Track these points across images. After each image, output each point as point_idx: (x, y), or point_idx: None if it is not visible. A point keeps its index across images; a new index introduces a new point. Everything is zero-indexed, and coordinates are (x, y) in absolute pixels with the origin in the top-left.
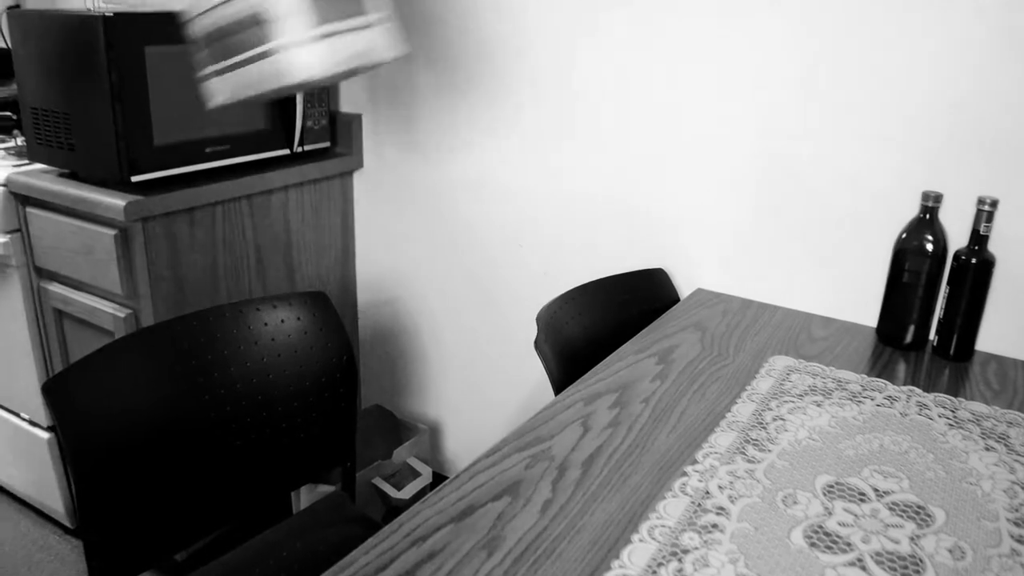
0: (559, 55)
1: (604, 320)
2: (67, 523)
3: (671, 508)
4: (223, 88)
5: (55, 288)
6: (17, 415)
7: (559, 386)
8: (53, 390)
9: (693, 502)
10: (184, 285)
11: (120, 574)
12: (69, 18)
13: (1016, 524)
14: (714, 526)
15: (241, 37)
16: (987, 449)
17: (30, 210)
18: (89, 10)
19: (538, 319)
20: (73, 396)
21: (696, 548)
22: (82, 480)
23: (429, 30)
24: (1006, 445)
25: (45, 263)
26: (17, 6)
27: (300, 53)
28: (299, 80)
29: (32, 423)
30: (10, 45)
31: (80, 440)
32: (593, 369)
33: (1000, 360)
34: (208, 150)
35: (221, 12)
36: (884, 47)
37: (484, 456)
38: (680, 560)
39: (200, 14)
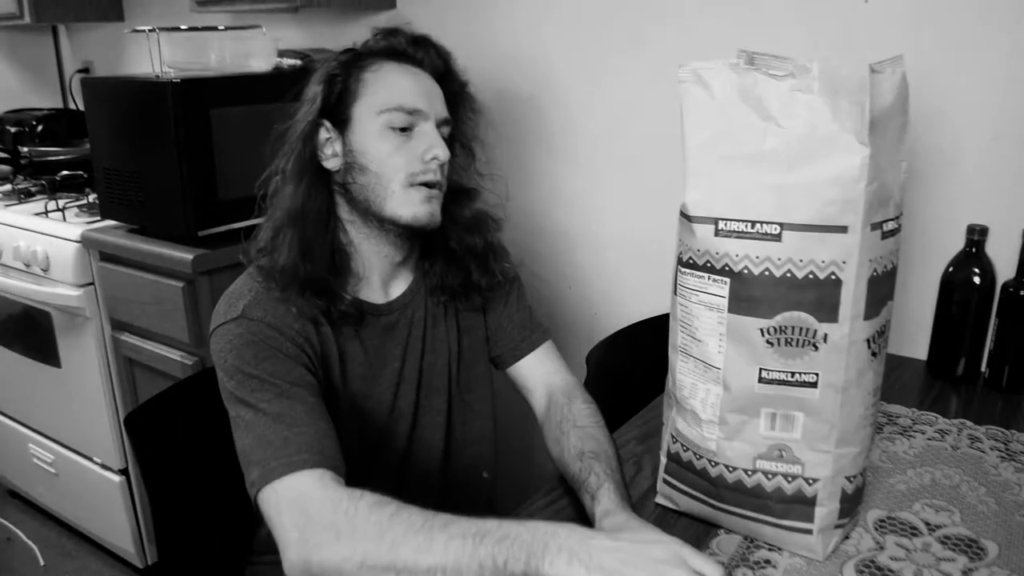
0: (605, 104)
1: (653, 359)
2: (137, 563)
3: (724, 545)
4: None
5: (126, 338)
6: (90, 459)
7: (609, 427)
8: (134, 422)
9: (745, 539)
10: None
11: None
12: (140, 84)
13: None
14: (767, 562)
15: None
16: None
17: (103, 264)
18: (158, 76)
19: (588, 359)
20: (151, 428)
21: None
22: (158, 508)
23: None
24: None
25: (117, 314)
26: (87, 70)
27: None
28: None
29: (104, 467)
30: (83, 108)
31: (156, 470)
32: (645, 408)
33: None
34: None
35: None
36: (921, 81)
37: (540, 496)
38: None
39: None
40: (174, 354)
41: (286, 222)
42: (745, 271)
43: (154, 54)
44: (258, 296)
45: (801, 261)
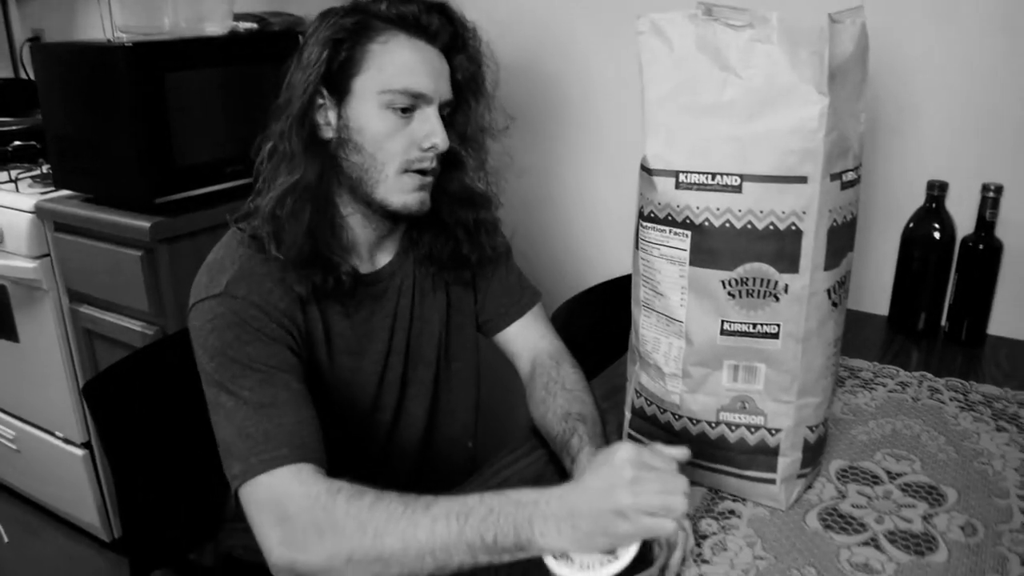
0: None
1: (616, 319)
2: (103, 537)
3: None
4: None
5: (85, 310)
6: (52, 434)
7: None
8: (93, 391)
9: (710, 490)
10: None
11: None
12: (91, 49)
13: None
14: (731, 512)
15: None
16: (998, 430)
17: (58, 235)
18: (110, 41)
19: (554, 319)
20: (110, 397)
21: (714, 533)
22: (121, 478)
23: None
24: (1017, 425)
25: (74, 285)
26: (37, 38)
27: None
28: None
29: (67, 441)
30: (33, 76)
31: (116, 439)
32: (609, 368)
33: (1011, 344)
34: (228, 170)
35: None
36: (881, 35)
37: (506, 453)
38: (699, 545)
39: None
40: (134, 324)
41: (293, 192)
42: (706, 223)
43: (105, 18)
44: (243, 270)
45: (761, 212)
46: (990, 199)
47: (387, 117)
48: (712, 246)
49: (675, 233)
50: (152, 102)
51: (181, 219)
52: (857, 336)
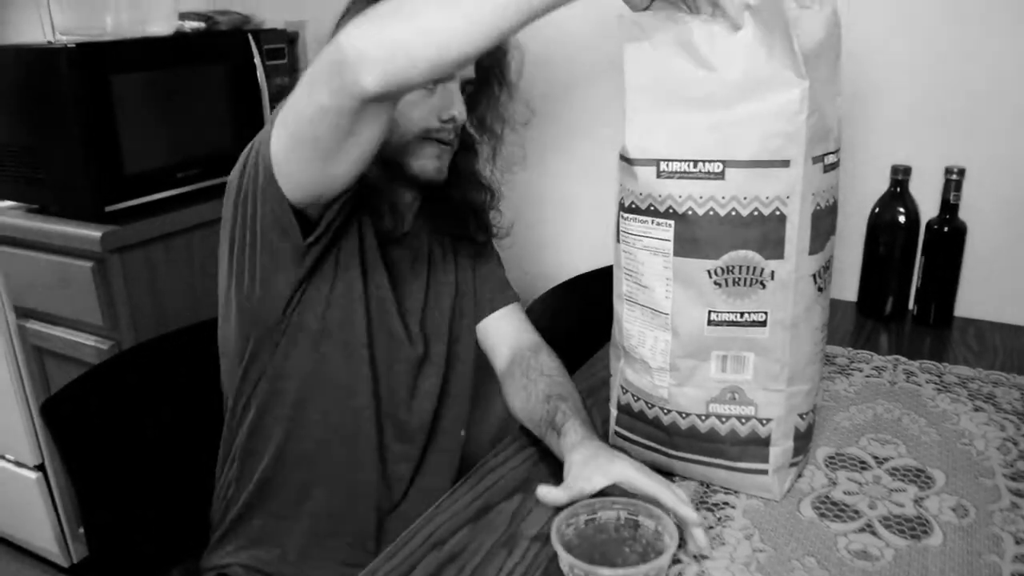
0: None
1: (591, 313)
2: (61, 562)
3: (681, 487)
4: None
5: (33, 325)
6: (3, 457)
7: None
8: (51, 412)
9: (702, 483)
10: (165, 313)
11: None
12: (31, 52)
13: (1012, 479)
14: (726, 503)
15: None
16: (976, 410)
17: (1, 248)
18: (50, 43)
19: (529, 312)
20: (70, 416)
21: (711, 527)
22: (85, 501)
23: None
24: (993, 404)
25: (21, 301)
26: None
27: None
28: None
29: (19, 464)
30: None
31: (79, 460)
32: (587, 363)
33: (978, 324)
34: (179, 175)
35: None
36: (845, 25)
37: (491, 456)
38: (710, 526)
39: None
40: (87, 339)
41: None
42: (689, 212)
43: (44, 19)
44: None
45: (745, 199)
46: (953, 182)
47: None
48: (696, 235)
49: (658, 224)
50: (98, 106)
51: (133, 227)
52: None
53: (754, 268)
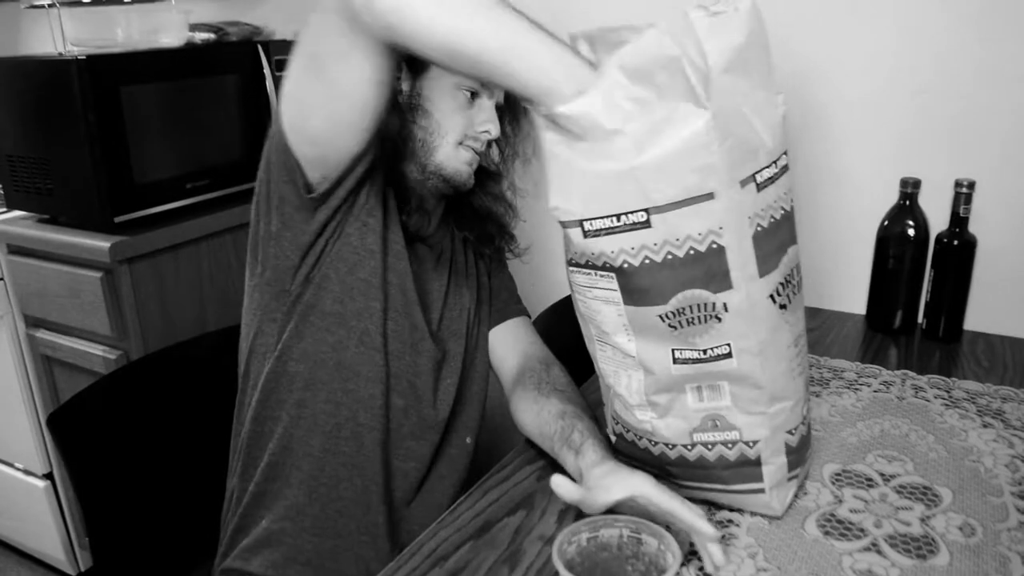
0: None
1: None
2: (68, 570)
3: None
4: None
5: (42, 335)
6: (11, 465)
7: None
8: (58, 423)
9: (704, 501)
10: (173, 323)
11: None
12: (43, 63)
13: (1021, 497)
14: (729, 521)
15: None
16: (984, 426)
17: (11, 258)
18: (61, 54)
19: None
20: (77, 427)
21: None
22: (90, 512)
23: None
24: (1002, 421)
25: (30, 310)
26: None
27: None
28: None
29: (27, 472)
30: None
31: (85, 471)
32: (587, 381)
33: (987, 338)
34: (189, 185)
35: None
36: (851, 37)
37: (495, 471)
38: (700, 557)
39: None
40: (96, 349)
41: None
42: (625, 265)
43: (55, 31)
44: None
45: (678, 240)
46: (963, 195)
47: (456, 96)
48: (639, 285)
49: (601, 276)
50: (108, 117)
51: (142, 238)
52: (837, 336)
53: (705, 304)
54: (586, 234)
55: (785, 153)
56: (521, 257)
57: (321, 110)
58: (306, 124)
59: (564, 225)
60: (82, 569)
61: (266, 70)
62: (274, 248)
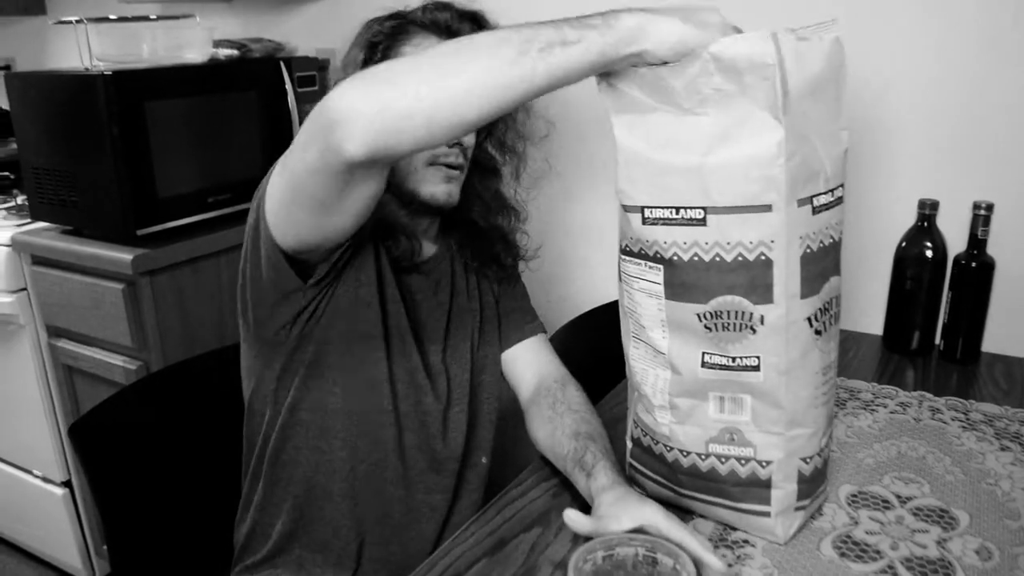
0: None
1: (613, 344)
2: None
3: (701, 527)
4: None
5: (64, 344)
6: (31, 472)
7: None
8: (79, 433)
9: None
10: (192, 334)
11: None
12: (69, 78)
13: None
14: (745, 541)
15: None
16: (1002, 449)
17: (35, 268)
18: (87, 69)
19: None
20: (98, 438)
21: (730, 565)
22: (110, 521)
23: None
24: (1020, 444)
25: (53, 320)
26: (7, 67)
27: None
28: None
29: (46, 480)
30: (8, 107)
31: (105, 481)
32: (609, 395)
33: (1006, 360)
34: (210, 200)
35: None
36: (862, 54)
37: (511, 488)
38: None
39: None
40: (116, 360)
41: None
42: (675, 258)
43: (82, 46)
44: None
45: (728, 244)
46: (981, 217)
47: None
48: (684, 280)
49: (649, 267)
50: (132, 131)
51: (163, 251)
52: (854, 357)
53: (742, 313)
54: (645, 221)
55: (842, 186)
56: (531, 262)
57: (317, 230)
58: (299, 234)
59: (626, 209)
60: None
61: (288, 86)
62: (264, 312)
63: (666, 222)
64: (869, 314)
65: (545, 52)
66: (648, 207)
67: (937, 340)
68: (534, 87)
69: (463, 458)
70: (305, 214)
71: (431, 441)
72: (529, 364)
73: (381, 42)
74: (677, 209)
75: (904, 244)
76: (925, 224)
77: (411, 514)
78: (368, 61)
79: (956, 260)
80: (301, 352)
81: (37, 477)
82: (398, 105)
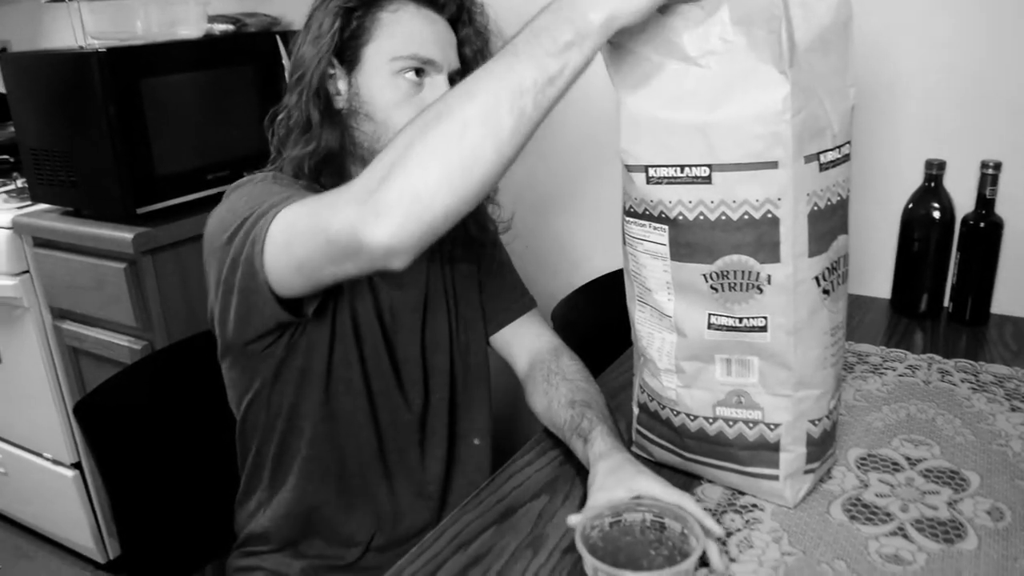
0: None
1: (616, 313)
2: (98, 558)
3: (709, 492)
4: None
5: (68, 326)
6: (40, 455)
7: None
8: (84, 411)
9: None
10: (196, 312)
11: None
12: (63, 57)
13: None
14: (754, 505)
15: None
16: (1013, 410)
17: (37, 250)
18: (82, 47)
19: (553, 316)
20: (103, 416)
21: (739, 529)
22: (117, 500)
23: None
24: None
25: (57, 302)
26: (3, 49)
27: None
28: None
29: (55, 462)
30: (4, 88)
31: (111, 459)
32: (614, 363)
33: (1015, 321)
34: (209, 176)
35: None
36: (874, 17)
37: (518, 456)
38: (724, 542)
39: None
40: (121, 339)
41: (311, 159)
42: (680, 217)
43: (76, 24)
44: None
45: (734, 202)
46: (989, 176)
47: (398, 85)
48: (689, 240)
49: (654, 228)
50: (128, 109)
51: (164, 229)
52: (861, 320)
53: (749, 272)
54: (649, 180)
55: (849, 143)
56: (504, 232)
57: (318, 284)
58: (297, 290)
59: (629, 169)
60: (111, 557)
61: (284, 61)
62: (251, 336)
63: (671, 181)
64: (877, 277)
65: (538, 94)
66: (652, 166)
67: (946, 302)
68: (534, 124)
69: (450, 443)
70: (299, 284)
71: (409, 434)
72: (523, 340)
73: (356, 9)
74: (682, 167)
75: (911, 205)
76: (932, 184)
77: (406, 500)
78: (344, 29)
79: (964, 220)
80: (287, 361)
81: (47, 460)
82: (428, 217)
